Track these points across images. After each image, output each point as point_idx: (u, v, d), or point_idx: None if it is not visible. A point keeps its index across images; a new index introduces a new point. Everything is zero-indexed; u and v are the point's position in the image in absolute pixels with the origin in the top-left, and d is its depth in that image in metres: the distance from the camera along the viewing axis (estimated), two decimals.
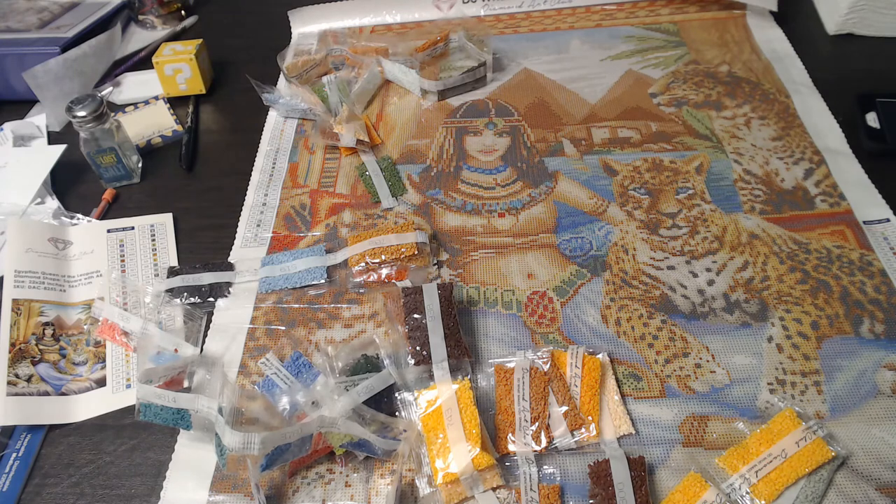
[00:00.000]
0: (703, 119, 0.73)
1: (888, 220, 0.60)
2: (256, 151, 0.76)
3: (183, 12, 1.00)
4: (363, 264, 0.60)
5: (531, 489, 0.46)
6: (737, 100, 0.75)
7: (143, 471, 0.50)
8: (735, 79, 0.78)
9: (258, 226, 0.67)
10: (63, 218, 0.69)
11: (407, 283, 0.59)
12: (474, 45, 0.83)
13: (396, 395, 0.52)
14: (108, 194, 0.72)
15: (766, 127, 0.71)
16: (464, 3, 0.91)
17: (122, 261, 0.65)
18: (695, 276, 0.58)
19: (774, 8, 0.85)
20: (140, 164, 0.75)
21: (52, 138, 0.81)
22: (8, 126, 0.79)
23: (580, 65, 0.82)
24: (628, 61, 0.82)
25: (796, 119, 0.71)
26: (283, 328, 0.58)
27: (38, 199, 0.71)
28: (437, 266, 0.61)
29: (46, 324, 0.59)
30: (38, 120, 0.82)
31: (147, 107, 0.83)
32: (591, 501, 0.45)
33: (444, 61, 0.85)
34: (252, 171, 0.74)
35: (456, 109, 0.78)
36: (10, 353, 0.56)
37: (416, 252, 0.60)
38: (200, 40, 0.84)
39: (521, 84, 0.81)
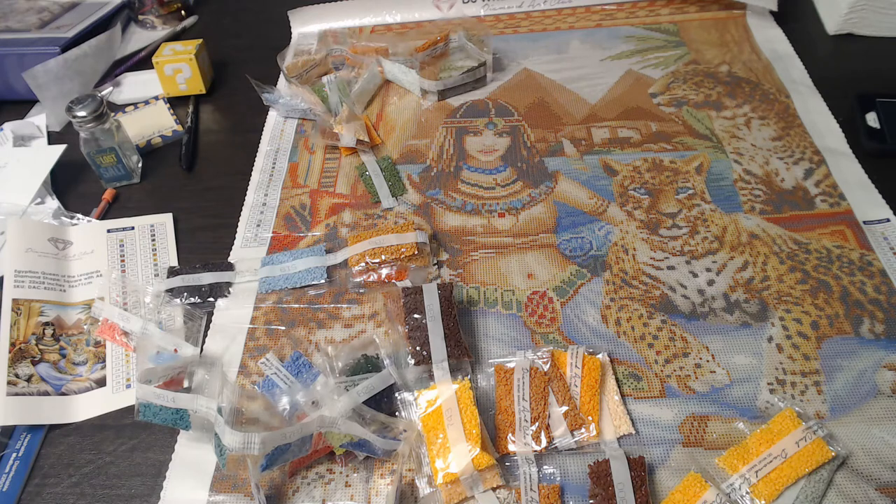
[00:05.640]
0: (703, 119, 0.73)
1: (888, 220, 0.60)
2: (256, 151, 0.76)
3: (183, 12, 1.00)
4: (363, 264, 0.60)
5: (531, 489, 0.46)
6: (737, 100, 0.75)
7: (143, 471, 0.50)
8: (735, 79, 0.78)
9: (258, 226, 0.67)
10: (63, 218, 0.69)
11: (407, 283, 0.59)
12: (474, 45, 0.83)
13: (396, 395, 0.52)
14: (108, 194, 0.72)
15: (766, 127, 0.71)
16: (464, 3, 0.91)
17: (122, 261, 0.65)
18: (695, 276, 0.58)
19: (774, 8, 0.85)
20: (140, 164, 0.75)
21: (52, 138, 0.81)
22: (8, 126, 0.79)
23: (580, 65, 0.82)
24: (628, 61, 0.82)
25: (796, 119, 0.71)
26: (283, 328, 0.58)
27: (38, 199, 0.71)
28: (437, 266, 0.61)
29: (46, 324, 0.59)
30: (38, 120, 0.82)
31: (147, 107, 0.83)
32: (591, 501, 0.45)
33: (444, 61, 0.85)
34: (252, 171, 0.74)
35: (456, 109, 0.78)
36: (10, 352, 0.56)
37: (416, 252, 0.60)
38: (200, 40, 0.84)
39: (521, 84, 0.81)
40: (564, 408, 0.49)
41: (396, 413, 0.51)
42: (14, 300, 0.59)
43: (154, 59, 0.82)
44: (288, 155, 0.75)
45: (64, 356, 0.58)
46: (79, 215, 0.69)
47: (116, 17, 0.96)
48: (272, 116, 0.81)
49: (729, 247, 0.60)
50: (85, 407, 0.55)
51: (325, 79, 0.81)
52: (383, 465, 0.48)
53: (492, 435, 0.49)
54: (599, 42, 0.86)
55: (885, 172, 0.65)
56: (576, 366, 0.51)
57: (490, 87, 0.81)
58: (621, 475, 0.45)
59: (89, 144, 0.69)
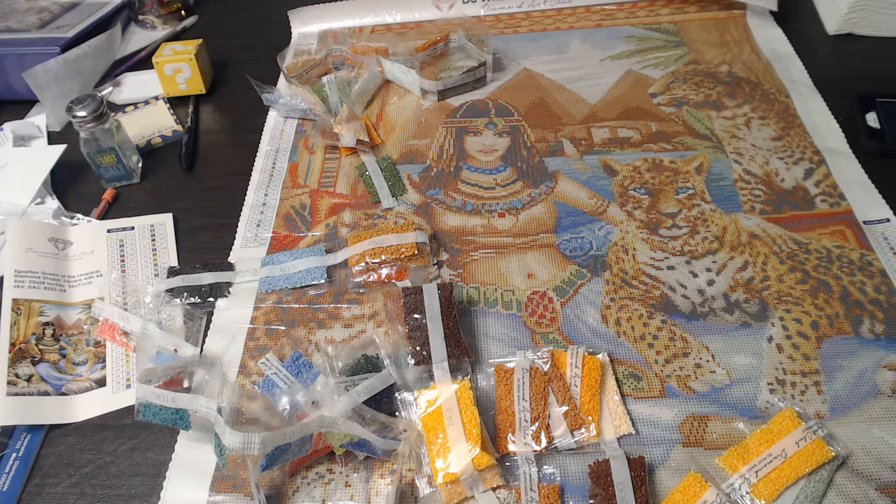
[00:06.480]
0: (703, 119, 0.73)
1: (888, 220, 0.60)
2: (256, 151, 0.76)
3: (183, 12, 1.00)
4: (363, 264, 0.60)
5: (531, 489, 0.46)
6: (737, 100, 0.75)
7: (143, 471, 0.50)
8: (735, 79, 0.78)
9: (258, 226, 0.67)
10: (63, 218, 0.69)
11: (407, 283, 0.59)
12: (474, 45, 0.83)
13: (396, 395, 0.52)
14: (108, 194, 0.72)
15: (766, 127, 0.71)
16: (464, 3, 0.91)
17: (122, 261, 0.65)
18: (695, 276, 0.58)
19: (774, 8, 0.85)
20: (140, 164, 0.75)
21: (52, 138, 0.81)
22: (8, 126, 0.79)
23: (580, 65, 0.82)
24: (628, 61, 0.82)
25: (796, 119, 0.72)
26: (283, 328, 0.58)
27: (38, 199, 0.71)
28: (437, 266, 0.61)
29: (46, 324, 0.59)
30: (38, 120, 0.82)
31: (147, 107, 0.83)
32: (591, 501, 0.45)
33: (444, 61, 0.84)
34: (252, 171, 0.74)
35: (456, 109, 0.78)
36: (10, 352, 0.56)
37: (416, 252, 0.60)
38: (200, 40, 0.84)
39: (521, 84, 0.81)
40: (564, 408, 0.49)
41: (396, 413, 0.51)
42: (14, 300, 0.59)
43: (154, 59, 0.82)
44: (288, 155, 0.75)
45: (64, 356, 0.58)
46: (79, 215, 0.69)
47: (116, 17, 0.96)
48: (272, 116, 0.81)
49: (729, 247, 0.60)
50: (85, 407, 0.55)
51: (325, 79, 0.81)
52: (383, 465, 0.48)
53: (492, 435, 0.49)
54: (599, 42, 0.86)
55: (885, 172, 0.65)
56: (576, 366, 0.51)
57: (490, 87, 0.81)
58: (621, 475, 0.45)
59: (89, 144, 0.69)
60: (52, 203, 0.71)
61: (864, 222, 0.60)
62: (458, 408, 0.48)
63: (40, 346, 0.58)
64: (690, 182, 0.66)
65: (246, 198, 0.70)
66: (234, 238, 0.66)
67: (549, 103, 0.77)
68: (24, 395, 0.54)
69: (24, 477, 0.51)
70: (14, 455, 0.52)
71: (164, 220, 0.68)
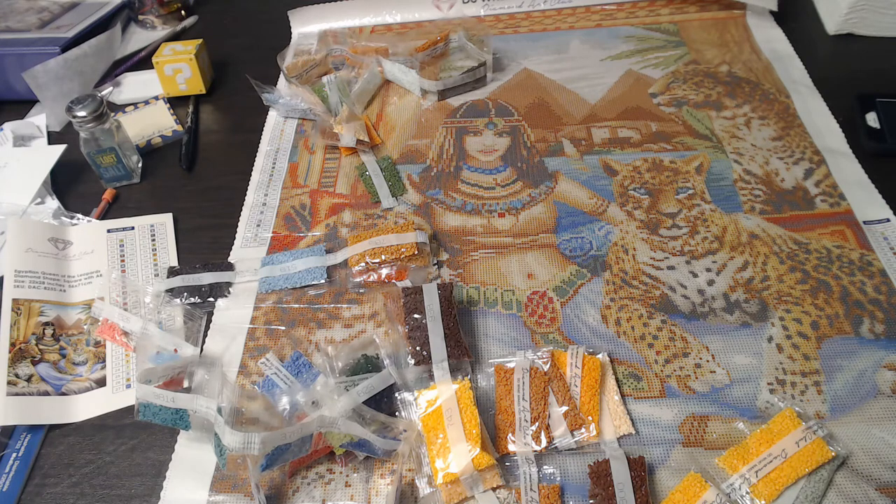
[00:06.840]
0: (703, 119, 0.73)
1: (888, 220, 0.60)
2: (256, 151, 0.76)
3: (183, 12, 1.00)
4: (363, 264, 0.60)
5: (531, 489, 0.46)
6: (737, 100, 0.75)
7: (143, 471, 0.50)
8: (735, 79, 0.78)
9: (258, 226, 0.67)
10: (63, 218, 0.69)
11: (407, 283, 0.59)
12: (474, 45, 0.83)
13: (396, 395, 0.52)
14: (108, 194, 0.72)
15: (766, 127, 0.71)
16: (464, 3, 0.91)
17: (122, 261, 0.65)
18: (695, 276, 0.58)
19: (774, 8, 0.85)
20: (140, 164, 0.75)
21: (52, 138, 0.81)
22: (8, 126, 0.79)
23: (580, 65, 0.82)
24: (628, 61, 0.82)
25: (796, 119, 0.72)
26: (283, 328, 0.58)
27: (38, 199, 0.71)
28: (437, 266, 0.61)
29: (46, 324, 0.59)
30: (38, 120, 0.82)
31: (147, 107, 0.83)
32: (591, 501, 0.45)
33: (444, 61, 0.85)
34: (252, 171, 0.74)
35: (456, 109, 0.78)
36: (10, 352, 0.56)
37: (416, 252, 0.60)
38: (200, 40, 0.84)
39: (521, 84, 0.81)
40: (564, 408, 0.49)
41: (396, 413, 0.51)
42: (14, 300, 0.59)
43: (154, 59, 0.82)
44: (288, 155, 0.75)
45: (64, 356, 0.58)
46: (79, 215, 0.69)
47: (116, 17, 0.96)
48: (272, 116, 0.81)
49: (729, 247, 0.60)
50: (85, 407, 0.55)
51: (325, 79, 0.81)
52: (383, 465, 0.48)
53: (492, 435, 0.49)
54: (599, 42, 0.86)
55: (885, 172, 0.65)
56: (576, 366, 0.51)
57: (490, 87, 0.81)
58: (621, 475, 0.45)
59: (89, 144, 0.69)
60: (52, 203, 0.71)
61: (864, 222, 0.60)
62: (458, 408, 0.48)
63: (40, 346, 0.58)
64: (690, 182, 0.66)
65: (246, 198, 0.70)
66: (234, 238, 0.66)
67: (549, 103, 0.77)
68: (24, 395, 0.54)
69: (24, 477, 0.51)
70: (14, 455, 0.52)
71: (164, 220, 0.68)
